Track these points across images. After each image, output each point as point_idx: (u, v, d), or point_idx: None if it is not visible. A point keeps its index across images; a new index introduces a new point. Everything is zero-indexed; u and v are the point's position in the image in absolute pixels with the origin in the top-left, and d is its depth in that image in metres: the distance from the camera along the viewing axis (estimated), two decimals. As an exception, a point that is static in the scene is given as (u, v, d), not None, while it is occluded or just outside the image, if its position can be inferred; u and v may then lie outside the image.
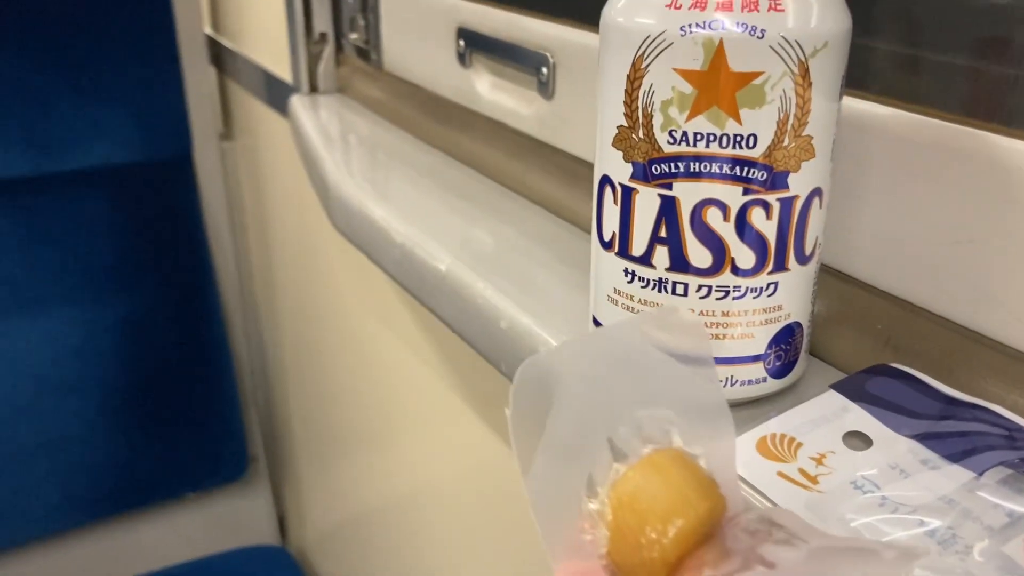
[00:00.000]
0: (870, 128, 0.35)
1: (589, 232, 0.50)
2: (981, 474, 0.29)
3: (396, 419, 0.84)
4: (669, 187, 0.31)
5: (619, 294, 0.34)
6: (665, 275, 0.32)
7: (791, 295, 0.33)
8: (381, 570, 0.96)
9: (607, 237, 0.34)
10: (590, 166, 0.51)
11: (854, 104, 0.36)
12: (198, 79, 1.05)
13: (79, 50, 0.97)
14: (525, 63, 0.54)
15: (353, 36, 0.78)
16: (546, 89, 0.53)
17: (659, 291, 0.32)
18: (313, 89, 0.82)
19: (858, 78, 0.35)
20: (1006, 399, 0.32)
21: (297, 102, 0.80)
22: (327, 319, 0.95)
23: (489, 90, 0.60)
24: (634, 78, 0.30)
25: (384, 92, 0.74)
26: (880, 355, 0.36)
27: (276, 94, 0.92)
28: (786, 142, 0.30)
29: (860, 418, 0.32)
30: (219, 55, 1.09)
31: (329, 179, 0.62)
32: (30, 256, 0.98)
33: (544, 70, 0.53)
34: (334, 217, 0.62)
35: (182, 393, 1.08)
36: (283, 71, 0.87)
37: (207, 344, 1.09)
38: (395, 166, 0.65)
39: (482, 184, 0.60)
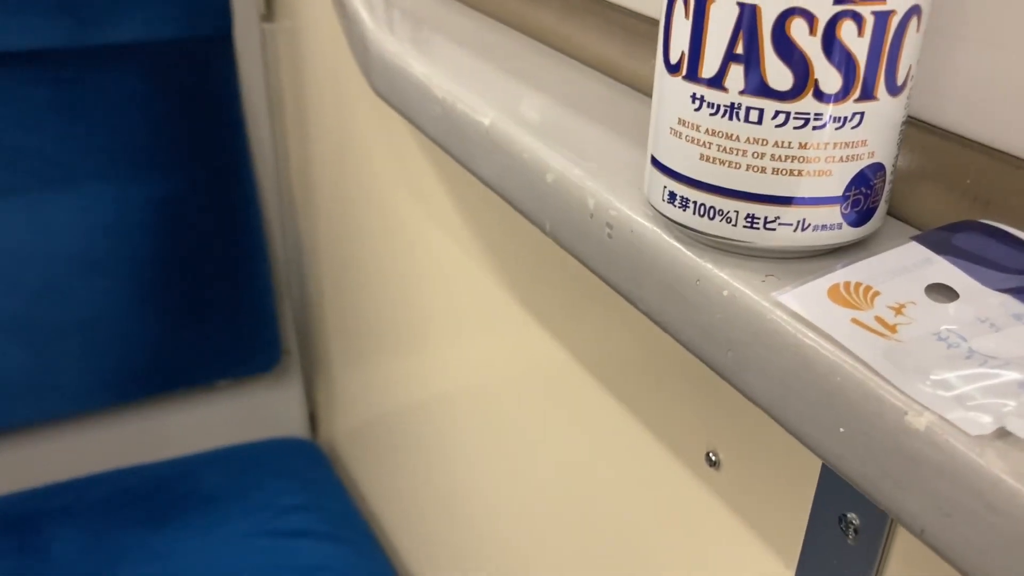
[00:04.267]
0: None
1: (649, 95, 0.47)
2: (1085, 327, 0.26)
3: (432, 314, 0.81)
4: (750, -6, 0.27)
5: (684, 124, 0.30)
6: (738, 99, 0.29)
7: (877, 130, 0.29)
8: (410, 469, 0.95)
9: (674, 59, 0.30)
10: (651, 21, 0.47)
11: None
12: (240, -46, 1.01)
13: (119, -83, 0.93)
14: (585, -89, 0.50)
15: (401, -99, 0.74)
16: (607, -61, 0.49)
17: (730, 118, 0.29)
18: (358, -41, 0.78)
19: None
20: (1113, 257, 0.29)
21: (340, -29, 0.76)
22: (364, 211, 0.93)
23: (544, -54, 0.56)
24: None
25: (432, -41, 0.70)
26: (969, 213, 0.32)
27: (319, -31, 0.88)
28: (888, -58, 0.26)
29: (945, 270, 0.29)
30: (262, -69, 1.05)
31: (369, 38, 0.58)
32: (63, 129, 0.96)
33: (606, -83, 0.49)
34: (373, 78, 0.59)
35: (215, 278, 1.07)
36: (327, -59, 0.83)
37: (241, 229, 1.06)
38: (440, 30, 0.61)
39: (534, 47, 0.56)
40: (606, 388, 0.55)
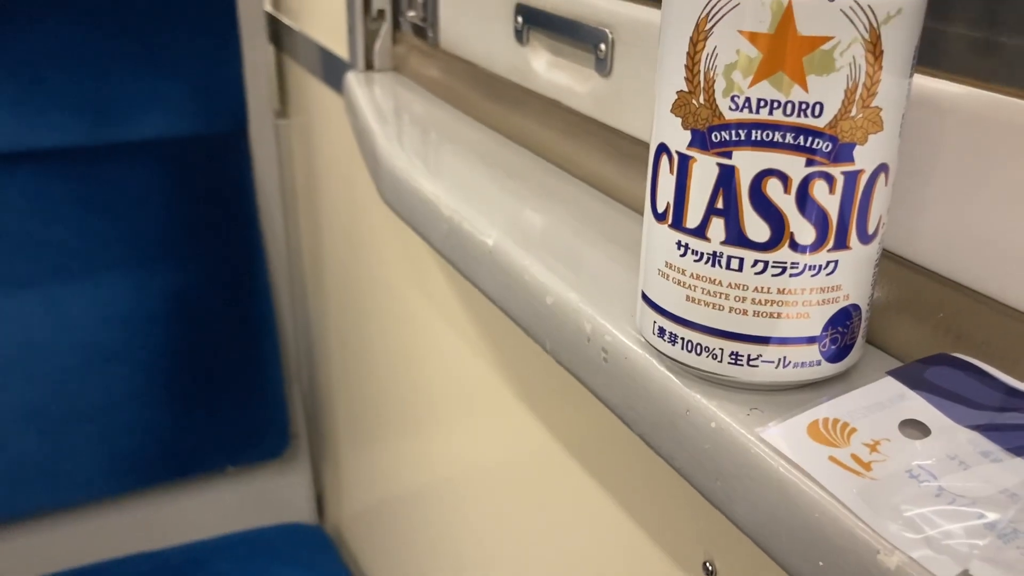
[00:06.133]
0: (941, 106, 0.34)
1: (642, 213, 0.49)
2: (1046, 468, 0.28)
3: (439, 402, 0.83)
4: (728, 156, 0.30)
5: (671, 268, 0.33)
6: (720, 248, 0.31)
7: (851, 275, 0.31)
8: (417, 553, 0.95)
9: (660, 208, 0.33)
10: (645, 145, 0.50)
11: (924, 82, 0.34)
12: (256, 55, 1.05)
13: (140, 21, 0.98)
14: (583, 40, 0.53)
15: (411, 14, 0.78)
16: (604, 66, 0.52)
17: (713, 265, 0.31)
18: (369, 66, 0.82)
19: (931, 56, 0.34)
20: (1075, 394, 0.31)
21: (352, 79, 0.79)
22: (373, 300, 0.95)
23: (545, 68, 0.59)
24: (697, 40, 0.29)
25: (439, 70, 0.74)
26: (941, 345, 0.34)
27: (332, 72, 0.92)
28: (853, 112, 0.29)
29: (918, 406, 0.31)
30: (278, 33, 1.10)
31: (380, 152, 0.61)
32: (84, 223, 0.99)
33: (602, 47, 0.52)
34: (383, 190, 0.61)
35: (227, 367, 1.09)
36: (340, 48, 0.87)
37: (254, 319, 1.09)
38: (447, 143, 0.64)
39: (535, 163, 0.59)
40: (605, 489, 0.56)
